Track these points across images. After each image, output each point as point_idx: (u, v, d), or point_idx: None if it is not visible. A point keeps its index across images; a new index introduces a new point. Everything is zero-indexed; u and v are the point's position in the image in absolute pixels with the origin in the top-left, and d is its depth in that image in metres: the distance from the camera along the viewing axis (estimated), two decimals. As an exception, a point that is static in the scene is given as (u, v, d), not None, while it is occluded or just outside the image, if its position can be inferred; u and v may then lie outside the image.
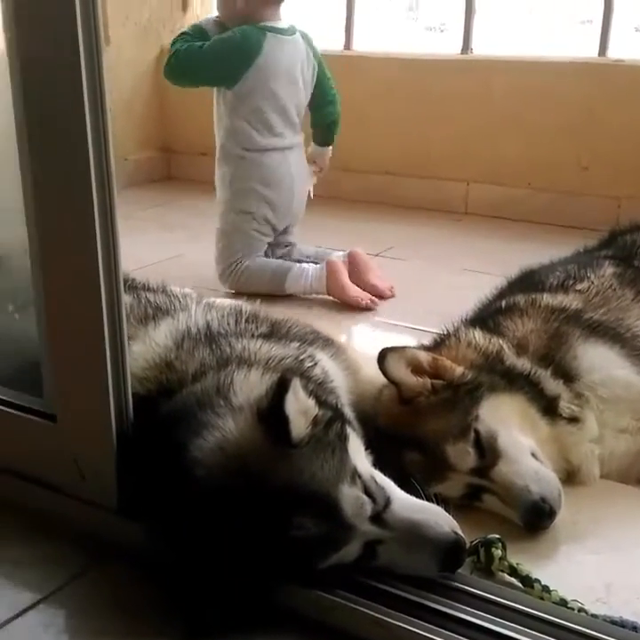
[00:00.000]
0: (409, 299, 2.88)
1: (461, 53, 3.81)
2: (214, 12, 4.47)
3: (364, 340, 2.58)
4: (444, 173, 3.83)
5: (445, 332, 1.86)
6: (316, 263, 2.93)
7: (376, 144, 3.97)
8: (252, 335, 1.69)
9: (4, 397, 1.62)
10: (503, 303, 1.97)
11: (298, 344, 1.72)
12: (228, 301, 2.56)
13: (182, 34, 2.97)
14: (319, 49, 3.02)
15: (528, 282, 2.10)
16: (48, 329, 1.50)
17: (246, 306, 1.80)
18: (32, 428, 1.56)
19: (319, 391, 1.55)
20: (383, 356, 1.65)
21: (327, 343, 1.84)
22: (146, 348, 1.60)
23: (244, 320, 1.74)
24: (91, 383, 1.46)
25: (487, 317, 1.93)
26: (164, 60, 4.22)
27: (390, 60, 3.91)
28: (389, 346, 1.67)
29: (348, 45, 4.04)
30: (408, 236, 3.56)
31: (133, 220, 3.68)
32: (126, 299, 1.73)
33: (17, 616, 1.35)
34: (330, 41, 4.11)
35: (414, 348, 1.75)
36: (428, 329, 2.56)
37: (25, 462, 1.59)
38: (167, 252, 3.29)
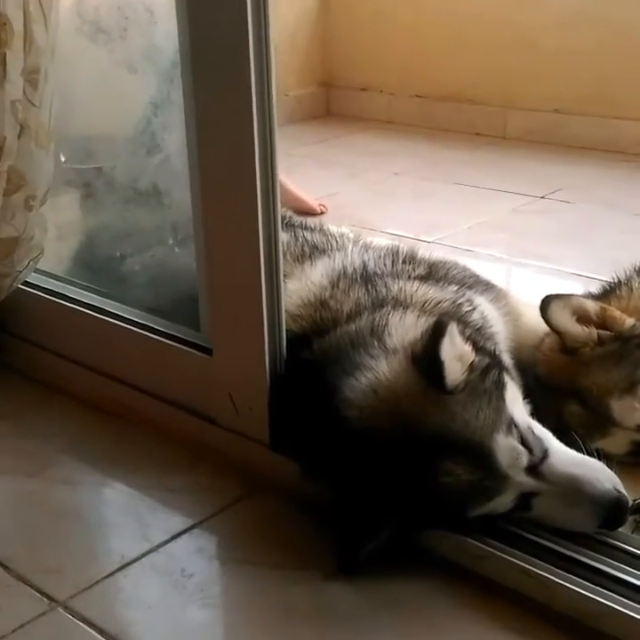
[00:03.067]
0: (578, 244, 2.73)
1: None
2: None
3: (529, 285, 2.47)
4: (620, 112, 3.58)
5: (616, 281, 1.74)
6: None
7: (546, 78, 3.76)
8: (409, 277, 1.64)
9: (164, 329, 1.66)
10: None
11: (456, 287, 1.66)
12: (384, 241, 2.53)
13: None
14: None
15: None
16: (206, 263, 1.52)
17: (403, 246, 1.75)
18: (189, 361, 1.59)
19: (477, 337, 1.50)
20: (547, 303, 1.56)
21: (487, 287, 1.77)
22: (301, 285, 1.59)
23: (400, 261, 1.70)
24: (246, 319, 1.47)
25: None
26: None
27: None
28: (554, 293, 1.58)
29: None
30: (577, 177, 3.36)
31: (292, 156, 3.67)
32: (284, 236, 1.73)
33: (171, 539, 1.40)
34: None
35: (581, 295, 1.65)
36: (598, 277, 2.43)
37: (183, 393, 1.62)
38: (324, 189, 3.27)
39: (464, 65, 3.94)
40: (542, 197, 3.13)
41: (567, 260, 2.59)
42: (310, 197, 3.02)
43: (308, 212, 2.98)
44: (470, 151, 3.73)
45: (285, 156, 3.64)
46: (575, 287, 2.39)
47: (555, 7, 3.66)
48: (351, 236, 2.62)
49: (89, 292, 1.83)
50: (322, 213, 3.00)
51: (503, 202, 3.12)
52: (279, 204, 1.41)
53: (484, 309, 1.65)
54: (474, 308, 1.61)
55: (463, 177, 3.37)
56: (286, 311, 1.53)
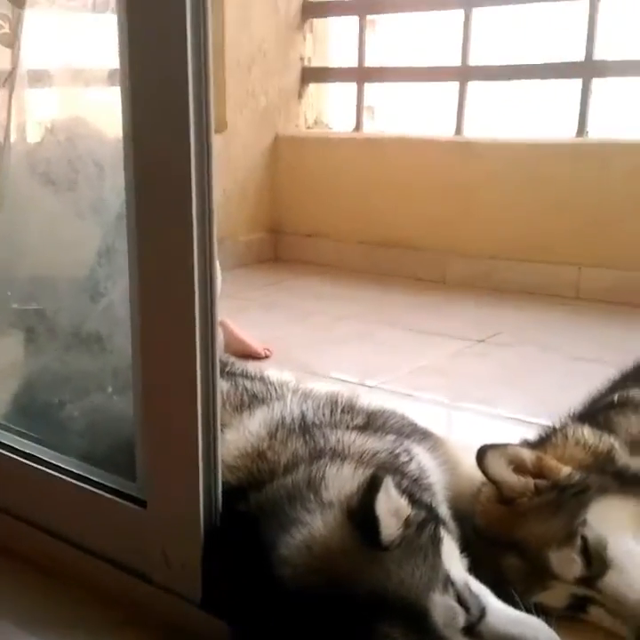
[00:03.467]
0: (517, 388, 2.78)
1: (577, 137, 3.77)
2: (330, 102, 4.63)
3: (468, 430, 2.49)
4: (555, 257, 3.74)
5: (551, 428, 1.76)
6: None
7: (483, 226, 3.93)
8: (347, 426, 1.66)
9: (98, 480, 1.62)
10: (616, 397, 1.87)
11: (394, 437, 1.67)
12: (325, 388, 2.55)
13: None
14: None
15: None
16: (144, 412, 1.51)
17: (342, 395, 1.77)
18: (123, 513, 1.55)
19: (413, 488, 1.50)
20: (483, 454, 1.57)
21: (425, 436, 1.78)
22: (239, 435, 1.58)
23: (339, 410, 1.71)
24: (181, 470, 1.44)
25: (598, 412, 1.83)
26: (278, 145, 4.39)
27: (500, 146, 3.89)
28: (489, 443, 1.60)
29: (458, 131, 4.05)
30: (516, 321, 3.46)
31: (240, 300, 3.73)
32: (224, 385, 1.74)
33: None
34: (440, 126, 4.15)
35: (517, 445, 1.67)
36: (537, 421, 2.47)
37: (116, 548, 1.57)
38: (270, 332, 3.30)
39: (406, 213, 4.11)
40: (481, 341, 3.21)
41: (506, 404, 2.63)
42: (255, 341, 3.05)
43: (253, 355, 3.00)
44: (413, 296, 3.83)
45: (233, 299, 3.74)
46: (515, 431, 2.41)
47: (491, 161, 3.87)
48: (293, 383, 2.66)
49: (23, 438, 1.80)
50: (266, 357, 3.02)
51: (444, 346, 3.19)
52: (217, 355, 1.42)
53: (422, 459, 1.66)
54: (411, 459, 1.62)
55: (406, 321, 3.45)
56: (223, 462, 1.51)
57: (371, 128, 4.41)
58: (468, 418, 2.59)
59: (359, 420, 1.70)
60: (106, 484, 1.61)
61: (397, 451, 1.61)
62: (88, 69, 1.98)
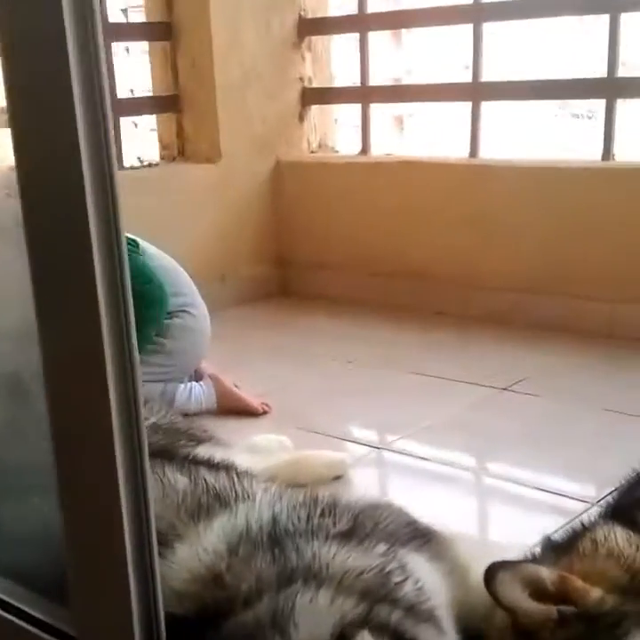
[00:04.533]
0: (543, 449, 2.45)
1: (602, 160, 3.43)
2: (333, 120, 4.33)
3: (476, 510, 2.17)
4: (585, 292, 3.40)
5: (578, 529, 1.45)
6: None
7: (506, 258, 3.60)
8: (327, 535, 1.36)
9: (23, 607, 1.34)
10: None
11: (386, 547, 1.37)
12: (320, 458, 2.25)
13: None
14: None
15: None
16: (65, 520, 1.22)
17: (325, 493, 1.47)
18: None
19: (406, 624, 1.20)
20: (492, 575, 1.27)
21: (426, 540, 1.48)
22: (191, 553, 1.30)
23: (318, 513, 1.42)
24: (111, 599, 1.16)
25: (633, 506, 1.51)
26: (279, 171, 4.11)
27: (520, 170, 3.57)
28: (500, 561, 1.29)
29: (473, 153, 3.74)
30: (543, 365, 3.12)
31: (240, 343, 3.45)
32: (182, 482, 1.45)
33: None
34: (456, 148, 3.85)
35: (532, 561, 1.36)
36: (563, 492, 2.15)
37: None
38: (271, 383, 3.01)
39: (421, 241, 3.80)
40: (505, 389, 2.89)
41: (534, 472, 2.30)
42: (251, 396, 2.77)
43: (250, 412, 2.72)
44: (429, 332, 3.52)
45: (232, 342, 3.45)
46: (544, 508, 2.11)
47: (511, 185, 3.55)
48: (288, 444, 2.37)
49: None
50: (264, 413, 2.74)
51: (464, 394, 2.87)
52: (146, 453, 1.13)
53: (421, 576, 1.36)
54: (406, 578, 1.32)
55: (422, 364, 3.13)
56: (170, 588, 1.23)
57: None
58: (488, 489, 2.28)
59: (343, 525, 1.40)
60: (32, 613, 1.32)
61: (389, 568, 1.32)
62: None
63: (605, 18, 3.33)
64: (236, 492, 1.45)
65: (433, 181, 3.75)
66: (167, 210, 3.74)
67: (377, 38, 3.97)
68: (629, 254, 3.30)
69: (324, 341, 3.49)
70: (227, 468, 1.59)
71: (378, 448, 2.46)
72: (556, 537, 1.52)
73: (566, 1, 3.50)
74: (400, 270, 3.87)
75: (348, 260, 4.02)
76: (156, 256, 2.82)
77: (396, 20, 3.97)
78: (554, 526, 1.80)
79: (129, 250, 2.71)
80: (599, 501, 1.97)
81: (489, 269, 3.64)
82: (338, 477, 2.23)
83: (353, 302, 3.92)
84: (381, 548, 1.36)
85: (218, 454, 1.74)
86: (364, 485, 2.21)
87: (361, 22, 3.94)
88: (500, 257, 3.62)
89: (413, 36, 4.08)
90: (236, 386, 2.81)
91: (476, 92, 3.68)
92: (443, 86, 3.83)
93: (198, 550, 1.29)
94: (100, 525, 1.16)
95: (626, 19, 3.29)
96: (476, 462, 2.37)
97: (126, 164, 3.87)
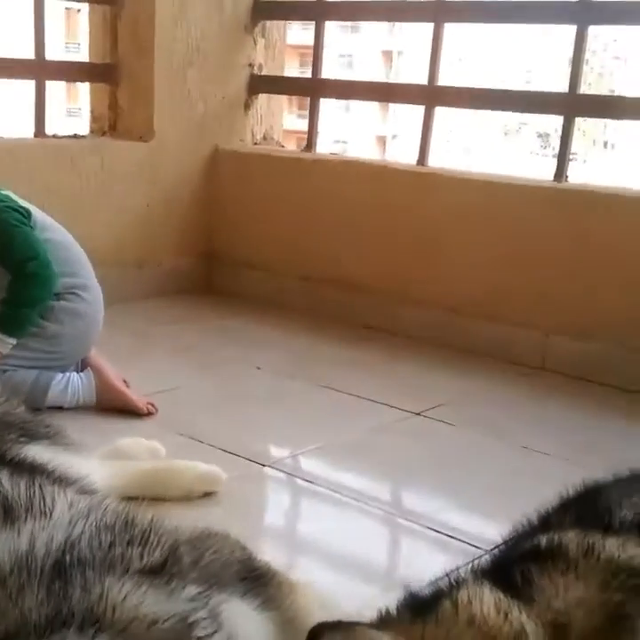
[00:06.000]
0: (445, 484, 2.21)
1: (554, 180, 3.21)
2: (280, 111, 4.09)
3: (355, 543, 1.90)
4: (520, 319, 3.18)
5: (440, 587, 1.20)
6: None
7: (443, 275, 3.37)
8: (127, 569, 1.09)
9: None
10: (544, 541, 1.30)
11: (199, 589, 1.11)
12: (189, 469, 2.00)
13: None
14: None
15: (591, 505, 1.43)
16: None
17: (144, 515, 1.20)
18: None
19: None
20: (317, 637, 1.01)
21: (260, 583, 1.22)
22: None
23: (127, 539, 1.14)
24: None
25: (515, 563, 1.26)
26: (217, 160, 3.85)
27: (468, 182, 3.34)
28: (331, 621, 1.03)
29: (422, 161, 3.51)
30: (464, 391, 2.89)
31: (144, 337, 3.18)
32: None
33: None
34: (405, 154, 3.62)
35: (370, 623, 1.09)
36: (456, 534, 1.92)
37: None
38: (166, 382, 2.75)
39: (356, 250, 3.56)
40: (418, 414, 2.64)
41: (431, 509, 2.06)
42: (137, 394, 2.49)
43: (133, 411, 2.45)
44: (353, 347, 3.28)
45: (136, 336, 3.17)
46: (427, 550, 1.87)
47: (457, 198, 3.32)
48: (160, 451, 2.10)
49: None
50: (149, 414, 2.46)
51: (372, 416, 2.63)
52: None
53: (240, 628, 1.10)
54: (216, 630, 1.06)
55: (336, 379, 2.89)
56: None
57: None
58: (375, 521, 2.02)
59: (154, 558, 1.13)
60: None
61: (195, 616, 1.05)
62: None
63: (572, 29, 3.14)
64: (32, 505, 1.18)
65: (376, 186, 3.51)
66: (89, 185, 3.48)
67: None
68: (571, 283, 3.09)
69: (237, 344, 3.23)
70: (34, 472, 1.31)
71: (262, 465, 2.19)
72: (421, 592, 1.26)
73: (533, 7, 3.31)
74: (332, 278, 3.62)
75: (280, 261, 3.77)
76: (50, 228, 2.54)
77: (354, 11, 3.74)
78: (438, 571, 1.56)
79: (19, 221, 2.46)
80: (494, 549, 1.73)
81: (423, 287, 3.42)
82: (208, 493, 1.97)
83: (279, 306, 3.67)
84: (192, 590, 1.09)
85: (45, 456, 1.46)
86: (234, 505, 1.95)
87: (318, 9, 3.70)
88: (436, 275, 3.39)
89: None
90: (124, 381, 2.54)
91: (432, 96, 3.46)
92: (395, 86, 3.61)
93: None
94: None
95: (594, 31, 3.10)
96: (367, 489, 2.12)
97: (49, 132, 3.58)
